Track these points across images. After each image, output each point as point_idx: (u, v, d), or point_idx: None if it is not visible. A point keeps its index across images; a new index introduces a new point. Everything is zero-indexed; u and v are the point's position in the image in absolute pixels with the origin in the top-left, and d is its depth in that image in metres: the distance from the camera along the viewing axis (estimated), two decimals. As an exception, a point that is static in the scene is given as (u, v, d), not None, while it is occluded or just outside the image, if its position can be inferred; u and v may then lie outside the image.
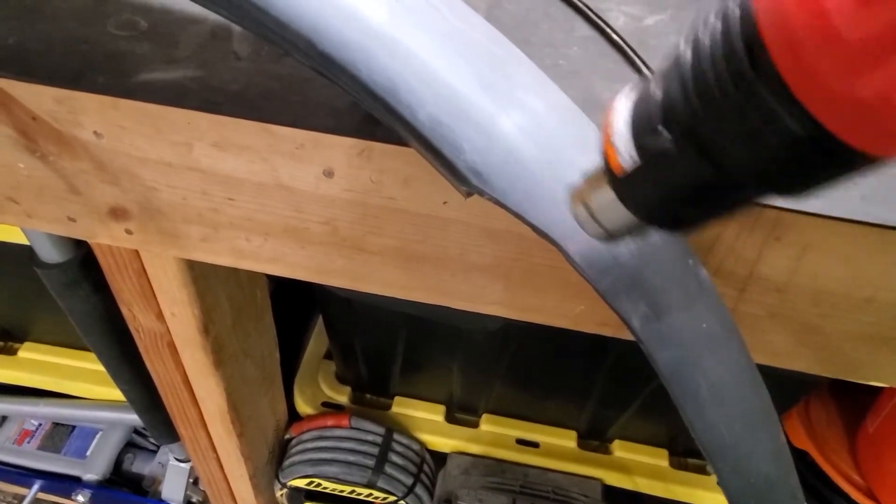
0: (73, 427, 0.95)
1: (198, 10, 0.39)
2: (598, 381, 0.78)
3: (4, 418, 0.95)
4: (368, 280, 0.42)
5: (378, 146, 0.34)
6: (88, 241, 0.46)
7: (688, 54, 0.18)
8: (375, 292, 0.43)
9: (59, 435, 0.94)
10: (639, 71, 0.40)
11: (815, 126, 0.16)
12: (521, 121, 0.29)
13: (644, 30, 0.44)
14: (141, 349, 0.58)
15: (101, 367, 0.87)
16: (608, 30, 0.43)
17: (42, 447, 0.93)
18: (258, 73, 0.36)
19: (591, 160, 0.30)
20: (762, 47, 0.16)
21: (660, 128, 0.19)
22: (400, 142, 0.34)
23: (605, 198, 0.23)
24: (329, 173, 0.36)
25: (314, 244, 0.41)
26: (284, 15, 0.29)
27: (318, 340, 0.94)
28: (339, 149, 0.35)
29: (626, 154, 0.21)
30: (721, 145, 0.18)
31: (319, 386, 0.89)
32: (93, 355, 0.89)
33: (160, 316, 0.54)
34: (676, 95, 0.19)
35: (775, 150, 0.17)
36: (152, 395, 0.65)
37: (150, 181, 0.39)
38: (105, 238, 0.44)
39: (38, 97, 0.36)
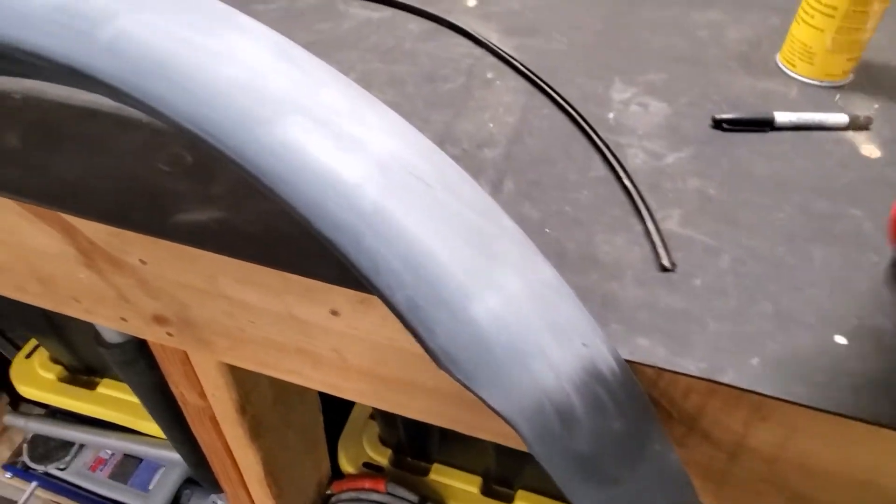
0: (141, 460, 1.02)
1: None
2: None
3: (82, 446, 1.04)
4: (381, 400, 0.45)
5: (377, 300, 0.37)
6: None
7: None
8: (389, 411, 0.45)
9: (128, 466, 1.02)
10: (643, 221, 0.40)
11: None
12: (494, 306, 0.30)
13: (661, 170, 0.44)
14: (188, 419, 0.63)
15: (167, 409, 0.94)
16: (621, 172, 0.43)
17: (112, 475, 1.01)
18: (277, 216, 0.40)
19: (561, 344, 0.31)
20: None
21: None
22: (395, 296, 0.36)
23: None
24: (335, 313, 0.39)
25: (325, 366, 0.44)
26: (286, 194, 0.32)
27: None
28: (343, 296, 0.38)
29: None
30: None
31: (363, 446, 0.92)
32: (161, 397, 0.96)
33: (203, 395, 0.58)
34: None
35: None
36: (200, 454, 0.70)
37: (184, 300, 0.44)
38: (150, 336, 0.49)
39: (94, 229, 0.41)
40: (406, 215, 0.31)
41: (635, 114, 0.49)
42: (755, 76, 0.53)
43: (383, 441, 0.93)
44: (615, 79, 0.53)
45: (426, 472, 0.90)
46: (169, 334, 0.47)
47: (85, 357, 0.97)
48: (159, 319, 0.46)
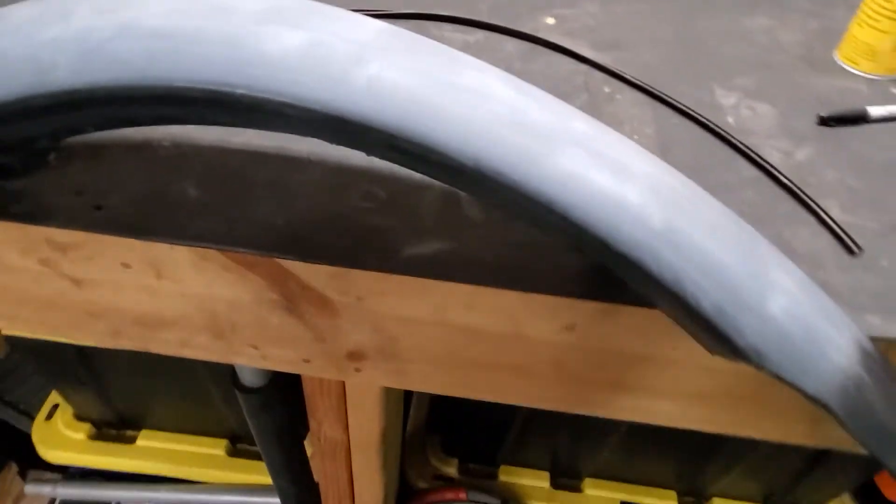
0: (189, 509, 0.98)
1: (420, 175, 0.43)
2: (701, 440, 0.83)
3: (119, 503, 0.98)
4: (579, 404, 0.47)
5: (625, 308, 0.39)
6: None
7: None
8: (584, 413, 0.48)
9: (175, 518, 0.98)
10: (815, 213, 0.45)
11: None
12: (783, 302, 0.34)
13: (799, 166, 0.49)
14: (317, 454, 0.62)
15: (217, 452, 0.92)
16: (775, 171, 0.48)
17: (158, 530, 0.96)
18: (500, 243, 0.41)
19: (838, 329, 0.35)
20: None
21: None
22: (647, 304, 0.39)
23: None
24: (571, 327, 0.41)
25: (537, 378, 0.46)
26: (582, 221, 0.34)
27: (418, 408, 0.98)
28: (585, 310, 0.40)
29: None
30: None
31: (428, 459, 0.93)
32: (209, 440, 0.93)
33: (346, 428, 0.58)
34: None
35: None
36: (305, 492, 0.69)
37: (395, 332, 0.44)
38: (333, 375, 0.49)
39: (314, 273, 0.41)
40: (691, 228, 0.34)
41: (749, 117, 0.54)
42: (825, 75, 0.60)
43: (446, 451, 0.94)
44: (714, 86, 0.58)
45: (494, 475, 0.92)
46: (357, 370, 0.48)
47: (120, 408, 0.91)
48: (354, 355, 0.46)
